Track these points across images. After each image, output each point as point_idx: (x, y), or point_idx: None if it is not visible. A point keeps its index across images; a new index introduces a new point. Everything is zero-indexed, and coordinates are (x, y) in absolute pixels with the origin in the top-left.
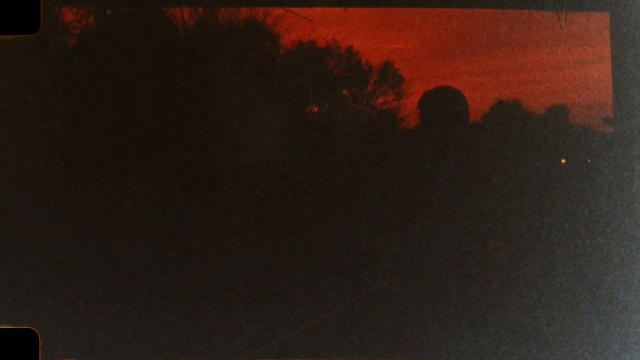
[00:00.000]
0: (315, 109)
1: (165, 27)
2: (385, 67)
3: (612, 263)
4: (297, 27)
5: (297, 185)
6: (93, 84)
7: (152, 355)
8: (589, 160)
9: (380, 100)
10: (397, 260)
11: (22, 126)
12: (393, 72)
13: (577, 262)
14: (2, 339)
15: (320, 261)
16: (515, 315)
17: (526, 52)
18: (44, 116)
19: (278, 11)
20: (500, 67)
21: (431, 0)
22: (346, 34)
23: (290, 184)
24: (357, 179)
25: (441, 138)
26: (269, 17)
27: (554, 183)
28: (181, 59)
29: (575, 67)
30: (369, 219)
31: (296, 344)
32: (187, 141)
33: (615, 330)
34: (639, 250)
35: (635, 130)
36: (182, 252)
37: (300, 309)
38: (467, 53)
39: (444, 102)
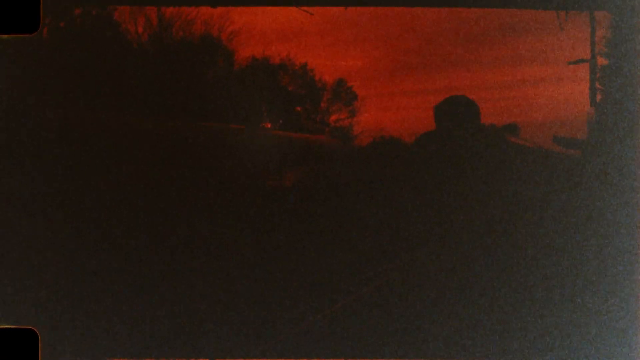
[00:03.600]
0: (269, 125)
1: (118, 41)
2: (338, 85)
3: (612, 263)
4: (251, 43)
5: (297, 186)
6: (92, 85)
7: (153, 355)
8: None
9: (333, 118)
10: (397, 260)
11: (21, 126)
12: (346, 90)
13: (577, 262)
14: (2, 339)
15: (320, 262)
16: (515, 316)
17: (479, 70)
18: (43, 116)
19: (234, 26)
20: (452, 85)
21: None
22: (300, 51)
23: (288, 187)
24: (361, 179)
25: (456, 140)
26: (224, 32)
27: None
28: (135, 74)
29: (527, 86)
30: (371, 219)
31: (296, 343)
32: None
33: (615, 330)
34: (637, 250)
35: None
36: (182, 253)
37: (299, 308)
38: (420, 71)
39: (459, 108)
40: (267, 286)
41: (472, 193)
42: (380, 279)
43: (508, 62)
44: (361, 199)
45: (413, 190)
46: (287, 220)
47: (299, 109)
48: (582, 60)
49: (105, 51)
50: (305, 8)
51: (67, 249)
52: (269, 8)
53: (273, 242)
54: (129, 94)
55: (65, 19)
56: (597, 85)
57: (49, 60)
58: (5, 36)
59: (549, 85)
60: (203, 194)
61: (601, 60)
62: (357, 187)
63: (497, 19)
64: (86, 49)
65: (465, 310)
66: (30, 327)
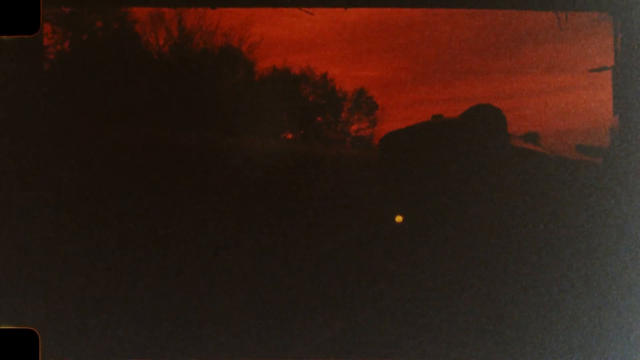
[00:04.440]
0: (290, 136)
1: (140, 53)
2: (359, 95)
3: (611, 263)
4: (272, 54)
5: (299, 188)
6: (92, 86)
7: (153, 356)
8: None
9: (354, 127)
10: (399, 260)
11: (21, 126)
12: (367, 99)
13: (602, 267)
14: (2, 339)
15: (320, 264)
16: (516, 316)
17: (499, 79)
18: (43, 116)
19: (254, 38)
20: (472, 94)
21: (432, 0)
22: (320, 61)
23: (289, 190)
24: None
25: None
26: (245, 44)
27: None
28: (156, 84)
29: (548, 94)
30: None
31: (296, 344)
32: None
33: (615, 330)
34: (637, 250)
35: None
36: (183, 254)
37: (300, 309)
38: (440, 80)
39: (486, 117)
40: (268, 288)
41: (495, 201)
42: (382, 282)
43: (528, 71)
44: (388, 206)
45: (435, 198)
46: (295, 224)
47: (319, 119)
48: (604, 68)
49: (126, 61)
50: (305, 9)
51: (68, 251)
52: (288, 19)
53: (280, 245)
54: (148, 104)
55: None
56: (619, 93)
57: (49, 60)
58: (5, 37)
59: (570, 93)
60: (213, 198)
61: (623, 68)
62: (382, 196)
63: (516, 28)
64: (109, 60)
65: (467, 311)
66: (30, 328)
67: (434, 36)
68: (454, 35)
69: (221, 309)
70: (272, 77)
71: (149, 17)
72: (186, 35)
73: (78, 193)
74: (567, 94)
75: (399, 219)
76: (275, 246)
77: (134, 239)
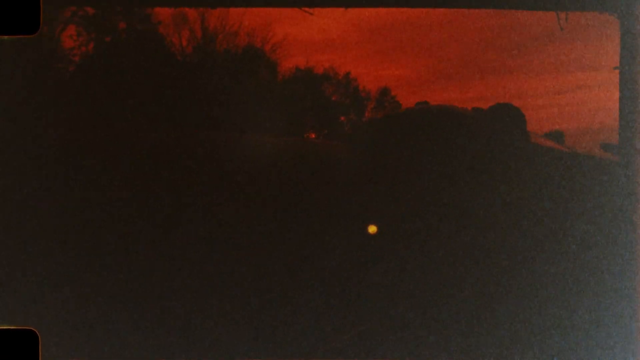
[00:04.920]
0: (313, 136)
1: (163, 54)
2: (382, 94)
3: (611, 263)
4: (294, 53)
5: (300, 188)
6: (93, 86)
7: (153, 356)
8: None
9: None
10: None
11: (21, 126)
12: (390, 99)
13: (577, 262)
14: (2, 339)
15: (320, 261)
16: (515, 316)
17: (523, 78)
18: (43, 117)
19: (276, 38)
20: (496, 93)
21: (430, 0)
22: (343, 60)
23: (291, 192)
24: (372, 177)
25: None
26: (267, 44)
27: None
28: (180, 85)
29: (572, 93)
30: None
31: (296, 344)
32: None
33: (615, 329)
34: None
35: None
36: (183, 253)
37: (299, 309)
38: (463, 79)
39: (505, 116)
40: (268, 288)
41: (519, 200)
42: (385, 280)
43: (552, 69)
44: (401, 203)
45: (459, 198)
46: (286, 223)
47: (343, 118)
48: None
49: (149, 62)
50: (305, 8)
51: (68, 250)
52: (311, 18)
53: (274, 244)
54: (169, 104)
55: (64, 45)
56: None
57: (49, 60)
58: (5, 37)
59: (595, 91)
60: (232, 198)
61: None
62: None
63: (540, 25)
64: (132, 61)
65: (466, 311)
66: (30, 328)
67: (457, 34)
68: (478, 34)
69: (223, 309)
70: (294, 76)
71: (172, 18)
72: (209, 36)
73: (79, 192)
74: (592, 91)
75: (372, 229)
76: (293, 248)
77: (135, 239)
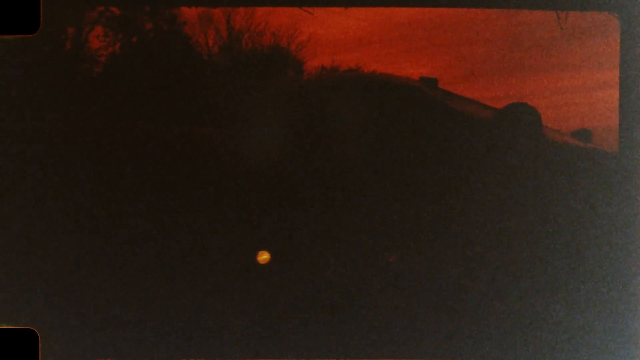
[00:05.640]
0: (334, 134)
1: (189, 52)
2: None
3: (611, 263)
4: (319, 53)
5: (299, 188)
6: (94, 85)
7: (154, 356)
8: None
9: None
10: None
11: (21, 126)
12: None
13: (577, 262)
14: (2, 339)
15: (320, 261)
16: (515, 315)
17: (547, 76)
18: (43, 116)
19: (302, 37)
20: (520, 91)
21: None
22: (368, 59)
23: (294, 188)
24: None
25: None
26: (293, 43)
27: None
28: (204, 81)
29: (595, 90)
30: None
31: (296, 343)
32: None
33: (615, 330)
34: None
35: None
36: (183, 253)
37: (299, 309)
38: (488, 78)
39: (520, 115)
40: (267, 288)
41: (539, 198)
42: (382, 280)
43: (574, 67)
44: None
45: (477, 197)
46: (286, 220)
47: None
48: None
49: (176, 63)
50: (305, 8)
51: (67, 250)
52: (336, 17)
53: (274, 243)
54: (193, 104)
55: (92, 46)
56: None
57: (49, 60)
58: (5, 36)
59: (595, 91)
60: (204, 196)
61: None
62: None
63: (540, 25)
64: (160, 61)
65: (466, 312)
66: (30, 327)
67: (481, 33)
68: (501, 32)
69: (223, 309)
70: (320, 76)
71: (198, 18)
72: (235, 36)
73: (79, 192)
74: (592, 91)
75: (263, 257)
76: (293, 248)
77: (135, 240)
